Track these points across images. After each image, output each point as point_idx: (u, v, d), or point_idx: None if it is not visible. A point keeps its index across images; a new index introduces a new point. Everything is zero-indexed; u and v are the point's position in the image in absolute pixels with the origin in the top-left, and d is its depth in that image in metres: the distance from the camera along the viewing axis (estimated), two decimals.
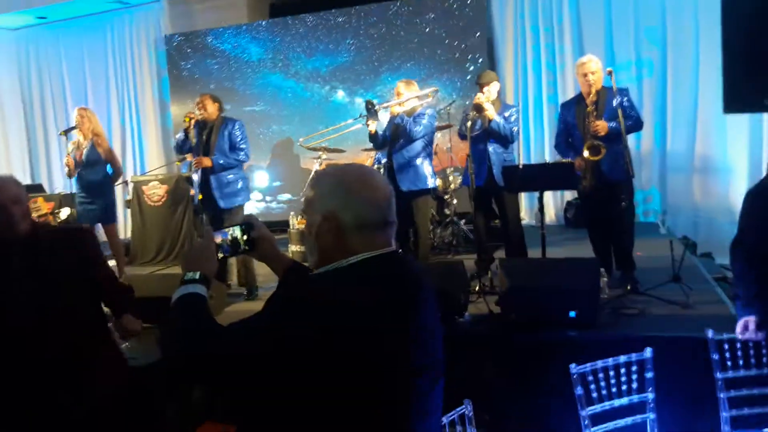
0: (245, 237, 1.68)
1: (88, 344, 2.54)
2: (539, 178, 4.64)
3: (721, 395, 2.63)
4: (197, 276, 1.53)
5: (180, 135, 5.28)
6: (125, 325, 2.63)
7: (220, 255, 1.64)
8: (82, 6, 9.83)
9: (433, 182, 5.24)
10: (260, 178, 9.26)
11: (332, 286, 1.37)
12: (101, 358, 2.60)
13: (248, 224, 1.70)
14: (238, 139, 5.25)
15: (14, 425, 2.46)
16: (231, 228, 1.68)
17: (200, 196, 5.26)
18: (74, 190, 5.78)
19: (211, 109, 5.26)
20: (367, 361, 1.32)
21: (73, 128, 5.76)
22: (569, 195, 7.71)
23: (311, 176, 1.63)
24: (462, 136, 5.17)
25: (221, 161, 5.17)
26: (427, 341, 1.44)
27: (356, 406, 1.32)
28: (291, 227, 6.88)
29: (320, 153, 6.87)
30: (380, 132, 5.20)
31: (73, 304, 2.50)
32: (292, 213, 7.03)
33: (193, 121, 5.17)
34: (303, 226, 6.16)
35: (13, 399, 2.45)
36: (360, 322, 1.31)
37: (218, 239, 1.64)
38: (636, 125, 4.68)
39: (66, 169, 5.74)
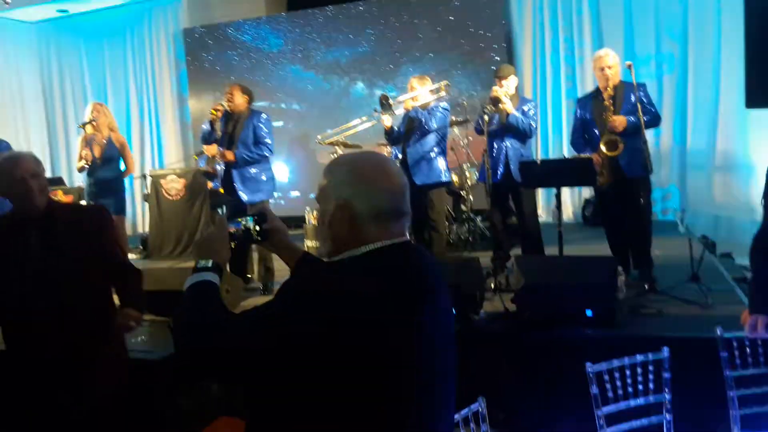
0: (257, 227, 1.70)
1: (100, 325, 2.56)
2: (557, 173, 4.59)
3: (731, 393, 2.60)
4: (210, 264, 1.54)
5: (206, 126, 5.23)
6: (123, 319, 2.61)
7: (233, 244, 1.65)
8: None
9: (447, 176, 5.24)
10: (277, 172, 9.25)
11: (342, 276, 1.37)
12: (111, 341, 2.62)
13: (261, 215, 1.72)
14: (263, 133, 5.15)
15: (23, 411, 2.50)
16: (244, 218, 1.71)
17: (221, 190, 5.25)
18: (86, 184, 5.83)
19: (240, 100, 5.18)
20: (374, 353, 1.31)
21: (91, 122, 5.79)
22: (587, 192, 7.65)
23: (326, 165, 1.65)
24: (479, 131, 5.14)
25: (244, 155, 5.10)
26: (437, 334, 1.42)
27: (362, 399, 1.31)
28: (307, 222, 6.89)
29: (337, 147, 6.88)
30: (395, 127, 5.22)
31: (88, 281, 2.52)
32: (307, 208, 7.05)
33: (219, 113, 5.15)
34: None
35: (22, 381, 2.49)
36: (369, 313, 1.30)
37: (231, 229, 1.67)
38: (653, 121, 4.63)
39: (82, 162, 5.74)
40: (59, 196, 6.72)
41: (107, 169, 5.75)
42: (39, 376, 2.47)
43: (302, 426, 1.33)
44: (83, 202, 6.28)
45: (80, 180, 8.18)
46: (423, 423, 1.39)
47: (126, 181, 6.31)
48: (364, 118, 5.99)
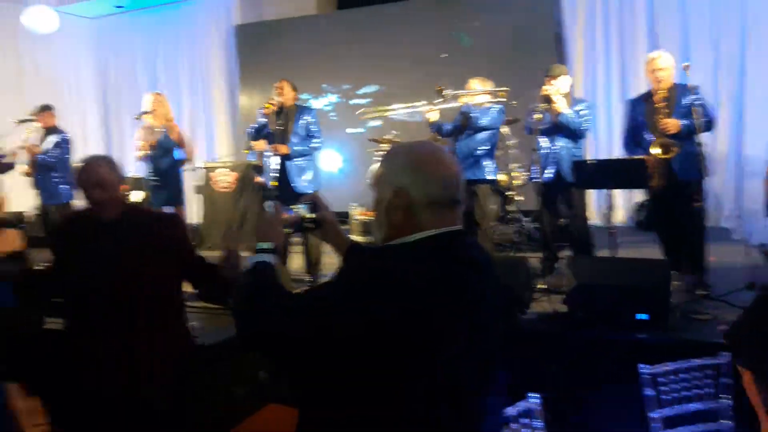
0: (310, 215, 1.76)
1: (164, 327, 2.59)
2: (611, 174, 4.52)
3: None
4: (270, 246, 1.59)
5: (262, 119, 5.36)
6: (230, 259, 2.63)
7: (287, 231, 1.72)
8: None
9: (493, 174, 5.26)
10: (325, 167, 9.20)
11: (393, 263, 1.38)
12: (172, 344, 2.65)
13: (313, 204, 1.78)
14: (314, 128, 5.38)
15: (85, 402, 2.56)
16: (297, 206, 1.77)
17: (274, 183, 5.35)
18: (145, 174, 5.94)
19: (290, 95, 5.40)
20: (422, 340, 1.33)
21: (147, 112, 5.91)
22: (639, 196, 7.49)
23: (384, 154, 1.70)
24: (529, 131, 5.10)
25: (298, 148, 5.30)
26: (485, 324, 1.43)
27: (409, 385, 1.33)
28: (351, 218, 6.93)
29: (383, 145, 6.91)
30: (444, 124, 5.29)
31: (158, 286, 2.55)
32: (352, 204, 7.08)
33: (274, 107, 5.28)
34: (363, 216, 6.26)
35: (87, 383, 2.54)
36: (418, 300, 1.32)
37: (286, 216, 1.73)
38: (708, 124, 4.53)
39: (139, 152, 5.88)
40: None
41: (162, 159, 5.85)
42: (97, 379, 2.50)
43: (350, 411, 1.36)
44: (140, 192, 6.41)
45: (134, 170, 8.38)
46: (469, 411, 1.40)
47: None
48: (417, 103, 5.88)
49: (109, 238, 2.52)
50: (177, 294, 2.72)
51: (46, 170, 6.43)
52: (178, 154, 5.88)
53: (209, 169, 7.44)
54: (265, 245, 1.59)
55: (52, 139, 6.48)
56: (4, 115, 8.98)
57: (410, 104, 5.84)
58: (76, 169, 2.55)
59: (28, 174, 6.54)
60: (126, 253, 2.50)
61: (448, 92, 5.07)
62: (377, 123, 8.97)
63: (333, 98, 9.49)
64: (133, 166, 10.16)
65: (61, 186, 6.49)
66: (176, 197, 6.07)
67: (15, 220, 6.02)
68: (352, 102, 9.33)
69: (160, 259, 2.54)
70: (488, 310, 1.45)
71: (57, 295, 2.70)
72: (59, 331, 2.77)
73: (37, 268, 2.79)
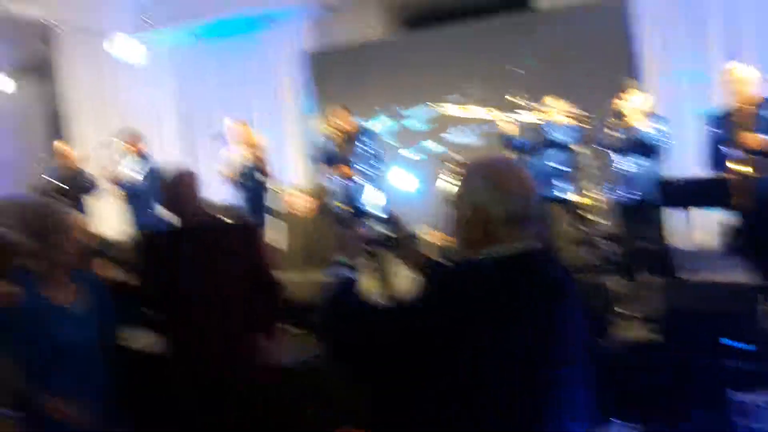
0: (390, 234, 1.84)
1: (242, 335, 2.67)
2: (693, 193, 4.39)
3: None
4: (348, 261, 1.66)
5: (328, 145, 5.54)
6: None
7: (368, 248, 1.80)
8: (233, 25, 10.49)
9: (566, 194, 5.17)
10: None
11: (471, 278, 1.41)
12: (252, 353, 2.71)
13: (394, 223, 1.81)
14: (377, 148, 5.61)
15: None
16: (376, 224, 1.80)
17: (338, 203, 5.46)
18: (232, 199, 6.12)
19: (348, 119, 5.68)
20: (502, 354, 1.35)
21: (223, 137, 6.10)
22: (725, 217, 7.19)
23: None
24: (601, 146, 5.00)
25: (364, 169, 5.52)
26: (563, 340, 1.44)
27: (485, 400, 1.35)
28: (420, 239, 6.91)
29: (451, 164, 6.90)
30: (515, 138, 5.39)
31: (233, 293, 2.64)
32: (420, 225, 7.04)
33: (340, 133, 5.45)
34: (432, 238, 6.25)
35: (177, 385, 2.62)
36: (495, 314, 1.35)
37: (365, 233, 1.83)
38: None
39: (223, 177, 6.08)
40: None
41: (245, 183, 6.02)
42: (193, 380, 2.59)
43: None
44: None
45: (213, 194, 8.62)
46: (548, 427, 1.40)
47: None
48: (492, 109, 5.83)
49: (188, 246, 2.62)
50: (251, 309, 2.76)
51: (136, 198, 6.66)
52: (260, 178, 6.04)
53: (283, 194, 7.61)
54: (343, 260, 1.65)
55: (142, 167, 6.70)
56: (87, 139, 9.50)
57: (488, 108, 5.86)
58: (166, 186, 2.65)
59: (117, 196, 6.71)
60: (201, 261, 2.60)
61: (525, 103, 5.05)
62: (437, 147, 8.95)
63: (388, 121, 9.54)
64: (209, 190, 10.46)
65: (150, 211, 6.71)
66: (257, 219, 6.22)
67: (101, 249, 6.28)
68: (406, 123, 9.36)
69: (233, 268, 2.63)
70: (569, 324, 1.45)
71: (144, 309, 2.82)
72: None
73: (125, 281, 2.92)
